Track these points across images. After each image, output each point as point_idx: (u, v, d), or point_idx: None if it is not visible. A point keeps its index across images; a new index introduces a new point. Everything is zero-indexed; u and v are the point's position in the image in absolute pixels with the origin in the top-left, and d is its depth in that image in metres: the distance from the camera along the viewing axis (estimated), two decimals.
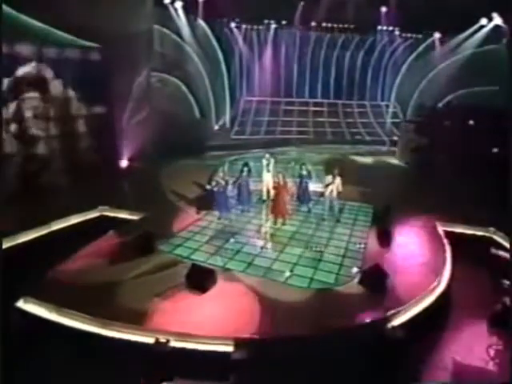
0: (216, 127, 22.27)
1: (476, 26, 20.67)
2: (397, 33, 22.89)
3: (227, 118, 22.83)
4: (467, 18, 20.08)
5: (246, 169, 11.12)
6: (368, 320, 6.49)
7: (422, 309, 6.96)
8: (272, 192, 11.02)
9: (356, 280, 7.64)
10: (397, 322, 6.52)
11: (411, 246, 9.31)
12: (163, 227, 9.89)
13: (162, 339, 5.81)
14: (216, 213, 10.82)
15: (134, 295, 6.89)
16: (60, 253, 8.28)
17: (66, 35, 12.84)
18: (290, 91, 23.93)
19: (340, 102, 24.27)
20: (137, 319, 6.22)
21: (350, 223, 10.83)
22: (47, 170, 12.66)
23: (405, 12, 20.69)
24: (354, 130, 23.28)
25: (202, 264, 7.91)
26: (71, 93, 13.24)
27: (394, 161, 19.10)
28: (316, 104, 24.11)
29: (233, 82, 22.77)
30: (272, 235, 9.97)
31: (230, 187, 10.85)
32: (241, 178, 11.09)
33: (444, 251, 8.95)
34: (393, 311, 6.59)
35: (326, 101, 24.20)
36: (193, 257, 8.47)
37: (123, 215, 10.89)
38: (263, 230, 10.31)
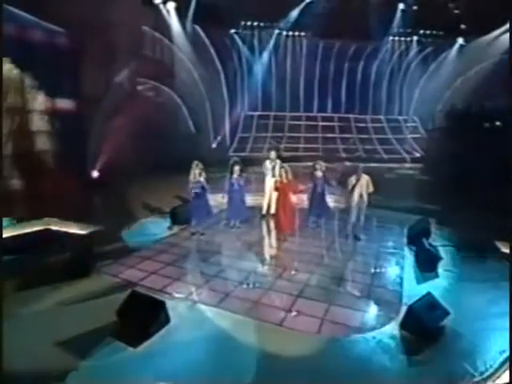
0: (214, 145, 20.04)
1: (504, 28, 18.55)
2: (414, 39, 20.80)
3: (227, 133, 20.58)
4: (493, 19, 18.09)
5: (236, 168, 8.40)
6: None
7: None
8: (274, 195, 8.40)
9: (397, 320, 4.70)
10: None
11: (468, 273, 6.39)
12: (117, 244, 7.26)
13: None
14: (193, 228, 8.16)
15: (27, 342, 4.08)
16: None
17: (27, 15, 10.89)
18: (296, 105, 21.71)
19: (352, 116, 21.90)
20: None
21: (375, 242, 8.00)
22: None
23: (423, 16, 18.77)
24: (370, 147, 20.69)
25: (151, 293, 5.09)
26: (30, 80, 10.98)
27: (421, 176, 16.39)
28: (325, 118, 21.76)
29: (233, 94, 20.69)
30: (268, 255, 7.20)
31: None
32: (230, 181, 8.45)
33: None
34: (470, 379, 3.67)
35: (336, 115, 21.87)
36: (144, 283, 5.70)
37: (73, 229, 8.38)
38: (255, 247, 7.55)
